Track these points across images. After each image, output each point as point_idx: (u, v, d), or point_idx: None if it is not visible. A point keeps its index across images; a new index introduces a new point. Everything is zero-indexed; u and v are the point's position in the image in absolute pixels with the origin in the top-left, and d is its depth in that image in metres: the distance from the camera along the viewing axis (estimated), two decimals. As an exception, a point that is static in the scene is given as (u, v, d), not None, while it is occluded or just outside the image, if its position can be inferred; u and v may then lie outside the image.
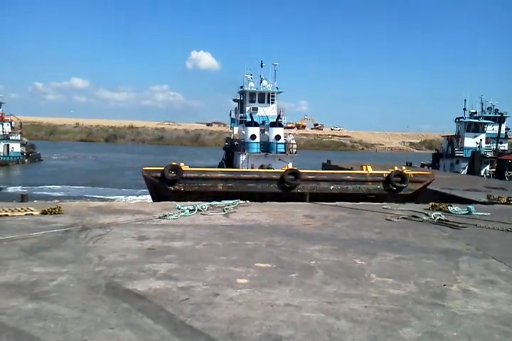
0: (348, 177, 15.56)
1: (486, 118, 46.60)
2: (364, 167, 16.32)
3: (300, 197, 13.73)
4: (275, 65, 43.62)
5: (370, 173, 15.82)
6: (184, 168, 15.09)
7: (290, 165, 22.49)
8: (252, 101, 42.61)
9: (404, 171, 15.92)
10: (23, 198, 11.08)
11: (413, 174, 16.18)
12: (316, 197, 13.79)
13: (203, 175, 15.23)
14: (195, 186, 14.82)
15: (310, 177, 15.37)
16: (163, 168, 14.79)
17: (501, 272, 5.65)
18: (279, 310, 4.17)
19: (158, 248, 6.41)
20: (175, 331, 3.64)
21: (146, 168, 15.48)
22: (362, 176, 15.61)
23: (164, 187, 14.63)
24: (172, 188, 14.55)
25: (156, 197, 15.25)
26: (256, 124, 39.53)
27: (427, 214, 9.69)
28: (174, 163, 15.21)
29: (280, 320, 3.91)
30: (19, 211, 8.89)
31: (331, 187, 15.07)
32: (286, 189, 14.87)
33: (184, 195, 14.27)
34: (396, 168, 15.95)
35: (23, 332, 3.56)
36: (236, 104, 47.17)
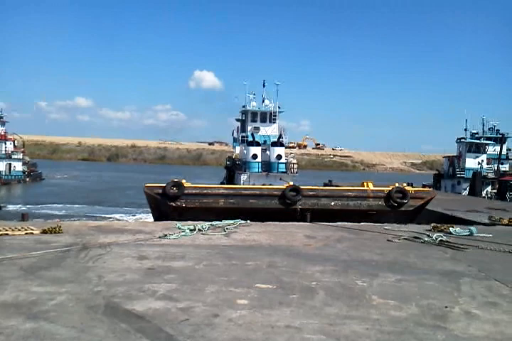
0: (349, 193, 15.55)
1: (487, 138, 46.72)
2: (365, 183, 16.33)
3: (301, 214, 13.70)
4: (277, 84, 43.99)
5: (371, 189, 15.82)
6: (186, 184, 15.09)
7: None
8: (253, 120, 42.89)
9: (405, 188, 15.93)
10: (23, 217, 11.09)
11: (414, 191, 16.17)
12: (317, 213, 13.75)
13: (205, 191, 15.21)
14: (196, 202, 14.78)
15: (311, 193, 15.35)
16: (164, 185, 14.81)
17: (503, 294, 5.60)
18: (280, 331, 4.12)
19: (158, 268, 6.38)
20: (174, 352, 3.60)
21: (148, 185, 15.49)
22: (363, 192, 15.61)
23: (165, 203, 14.58)
24: (173, 204, 14.51)
25: (157, 214, 15.18)
26: (257, 144, 39.73)
27: (428, 236, 9.65)
28: (176, 180, 15.23)
29: (280, 342, 3.87)
30: (19, 230, 8.88)
31: (332, 203, 15.05)
32: (287, 205, 14.83)
33: (185, 211, 14.19)
34: (397, 185, 15.97)
35: (21, 353, 3.53)
36: (238, 124, 47.47)
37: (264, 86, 44.14)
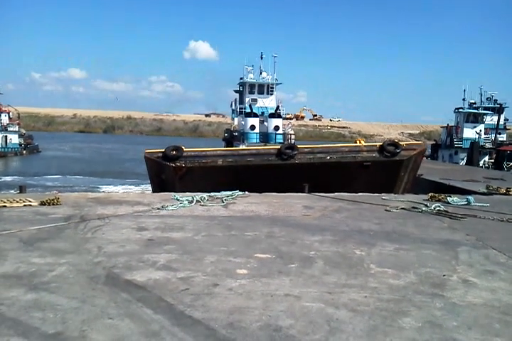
0: (343, 148, 15.91)
1: (485, 108, 46.48)
2: (357, 141, 16.69)
3: (298, 169, 13.88)
4: (275, 56, 43.76)
5: (364, 145, 16.07)
6: (185, 149, 15.34)
7: None
8: (251, 92, 42.86)
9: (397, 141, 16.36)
10: (21, 189, 11.07)
11: (405, 144, 16.51)
12: (314, 168, 13.94)
13: (203, 153, 15.50)
14: (196, 162, 14.98)
15: (306, 150, 15.70)
16: (164, 149, 15.02)
17: (501, 262, 5.65)
18: (279, 300, 4.16)
19: (157, 239, 6.39)
20: (174, 321, 3.63)
21: (148, 151, 15.70)
22: (356, 147, 15.89)
23: (166, 164, 14.66)
24: (173, 165, 14.57)
25: (157, 180, 15.19)
26: (255, 115, 39.74)
27: (426, 205, 9.69)
28: (175, 145, 15.48)
29: (280, 310, 3.91)
30: (18, 202, 8.86)
31: (328, 157, 15.27)
32: (284, 160, 15.03)
33: (185, 172, 14.22)
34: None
35: (23, 322, 3.55)
36: (236, 95, 47.24)
37: (261, 58, 43.91)
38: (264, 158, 15.33)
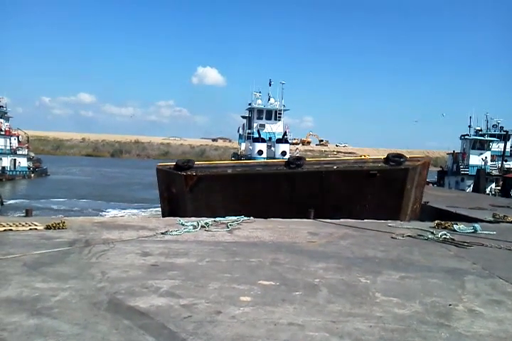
0: (350, 160, 16.05)
1: (491, 135, 46.58)
2: (363, 156, 16.83)
3: (306, 176, 13.94)
4: (282, 83, 44.80)
5: (370, 158, 16.13)
6: (196, 162, 15.62)
7: None
8: (259, 118, 43.76)
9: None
10: (27, 213, 11.11)
11: (410, 156, 16.49)
12: (320, 175, 13.96)
13: (214, 164, 15.84)
14: (206, 172, 15.10)
15: (313, 161, 15.97)
16: (176, 161, 15.26)
17: (508, 292, 5.58)
18: (283, 328, 4.12)
19: (161, 264, 6.38)
20: (176, 349, 3.60)
21: (161, 164, 15.99)
22: (362, 159, 15.94)
23: (177, 174, 14.75)
24: (184, 173, 14.65)
25: (166, 194, 15.24)
26: (263, 140, 40.44)
27: (432, 233, 9.62)
28: (187, 158, 15.84)
29: (283, 339, 3.86)
30: (23, 225, 8.89)
31: (335, 167, 15.32)
32: (292, 168, 15.09)
33: (196, 181, 14.26)
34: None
35: (24, 349, 3.53)
36: (243, 121, 48.09)
37: (270, 85, 45.16)
38: (273, 168, 15.50)
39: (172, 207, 14.19)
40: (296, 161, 15.19)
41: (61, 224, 8.99)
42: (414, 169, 15.00)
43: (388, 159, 15.23)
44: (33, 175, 64.19)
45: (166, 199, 15.47)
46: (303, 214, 12.37)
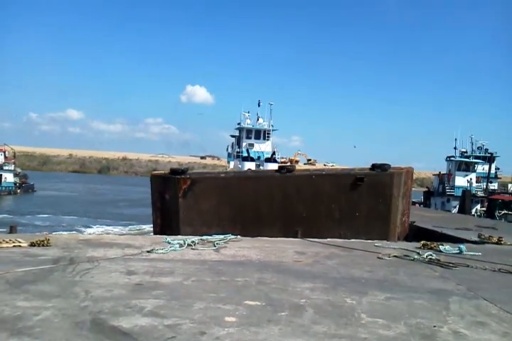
0: (337, 169, 16.59)
1: (477, 157, 47.30)
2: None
3: (296, 180, 14.07)
4: (271, 104, 45.92)
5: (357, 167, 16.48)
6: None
7: None
8: (248, 137, 44.84)
9: None
10: (11, 229, 10.99)
11: (394, 167, 16.75)
12: (310, 178, 14.05)
13: (207, 172, 16.18)
14: (200, 176, 15.30)
15: (303, 169, 16.71)
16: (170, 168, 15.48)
17: (492, 313, 5.60)
18: (267, 350, 4.09)
19: (146, 283, 6.31)
20: (159, 371, 3.55)
21: (155, 172, 16.22)
22: (350, 168, 16.15)
23: (171, 178, 14.72)
24: (178, 177, 14.63)
25: (159, 203, 15.17)
26: (252, 159, 41.14)
27: (418, 253, 9.66)
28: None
29: (268, 361, 3.83)
30: (7, 242, 8.77)
31: (324, 172, 15.52)
32: (283, 173, 15.23)
33: (190, 185, 14.23)
34: None
35: (3, 370, 3.46)
36: (232, 139, 48.96)
37: (259, 105, 46.49)
38: (265, 173, 16.06)
39: (164, 217, 14.13)
40: (287, 168, 15.54)
41: (45, 242, 8.88)
42: (399, 175, 15.21)
43: (374, 166, 15.57)
44: (19, 190, 63.51)
45: (158, 210, 15.35)
46: (294, 220, 12.80)
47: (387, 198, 14.18)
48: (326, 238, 11.93)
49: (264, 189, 13.94)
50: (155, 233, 14.02)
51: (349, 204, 13.86)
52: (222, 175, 15.52)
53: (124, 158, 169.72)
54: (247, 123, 45.69)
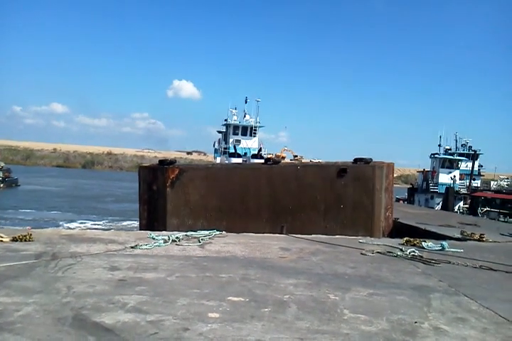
0: (321, 162, 16.80)
1: (460, 154, 47.83)
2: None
3: (283, 169, 14.29)
4: (258, 101, 46.56)
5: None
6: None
7: None
8: (235, 133, 45.51)
9: None
10: (-7, 224, 10.83)
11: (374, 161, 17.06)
12: (296, 169, 14.25)
13: (195, 164, 16.43)
14: (188, 166, 15.48)
15: (290, 162, 16.86)
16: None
17: (472, 310, 5.68)
18: (250, 345, 4.10)
19: (129, 279, 6.28)
20: (141, 367, 3.55)
21: (144, 165, 16.17)
22: (333, 161, 16.44)
23: (159, 168, 14.68)
24: (167, 166, 14.60)
25: (146, 196, 15.08)
26: (239, 155, 41.69)
27: (401, 250, 9.75)
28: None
29: (250, 357, 3.85)
30: (-12, 237, 8.65)
31: (310, 163, 16.14)
32: (270, 164, 15.41)
33: (178, 174, 14.20)
34: None
35: (-18, 367, 3.43)
36: (218, 135, 49.51)
37: (246, 102, 47.18)
38: (253, 164, 15.94)
39: (150, 209, 14.08)
40: (273, 159, 15.75)
41: (28, 237, 8.78)
42: (381, 168, 15.38)
43: (356, 160, 15.78)
44: (1, 185, 62.59)
45: (145, 203, 15.22)
46: (280, 212, 12.93)
47: (371, 191, 14.33)
48: (312, 230, 12.05)
49: (251, 180, 14.03)
50: (141, 226, 13.97)
51: (334, 196, 14.01)
52: (210, 165, 15.70)
53: (109, 153, 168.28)
54: (234, 120, 46.39)
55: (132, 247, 8.73)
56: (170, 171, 14.40)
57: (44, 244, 8.54)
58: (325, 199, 13.92)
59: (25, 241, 8.67)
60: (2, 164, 66.77)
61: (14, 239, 8.68)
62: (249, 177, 14.18)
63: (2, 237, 8.75)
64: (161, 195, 13.98)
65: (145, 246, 8.81)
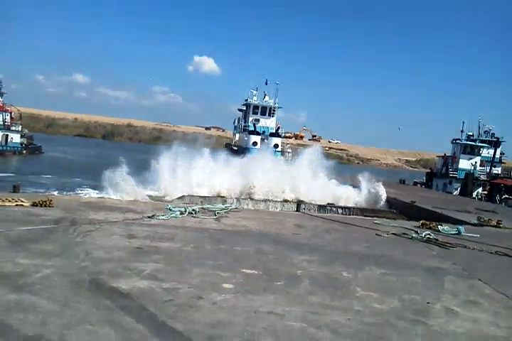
0: None
1: (482, 141, 46.91)
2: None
3: None
4: (277, 83, 49.17)
5: None
6: None
7: None
8: (254, 113, 47.54)
9: None
10: (14, 189, 11.03)
11: None
12: None
13: None
14: None
15: None
16: None
17: (485, 294, 5.66)
18: (262, 317, 4.16)
19: (145, 247, 6.39)
20: (155, 331, 3.63)
21: None
22: None
23: None
24: None
25: None
26: (258, 133, 43.62)
27: (416, 232, 9.71)
28: None
29: (262, 327, 3.90)
30: (10, 201, 8.84)
31: None
32: None
33: None
34: None
35: (3, 323, 3.53)
36: (238, 113, 51.54)
37: (266, 84, 49.69)
38: None
39: None
40: None
41: (48, 202, 8.95)
42: None
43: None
44: (25, 151, 63.34)
45: None
46: None
47: None
48: None
49: None
50: None
51: None
52: None
53: (129, 125, 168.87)
54: (254, 100, 48.45)
55: (149, 217, 8.85)
56: None
57: (64, 210, 8.70)
58: None
59: (46, 206, 8.83)
60: (26, 131, 67.38)
61: (34, 204, 8.85)
62: None
63: (23, 202, 8.93)
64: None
65: (162, 217, 8.92)
